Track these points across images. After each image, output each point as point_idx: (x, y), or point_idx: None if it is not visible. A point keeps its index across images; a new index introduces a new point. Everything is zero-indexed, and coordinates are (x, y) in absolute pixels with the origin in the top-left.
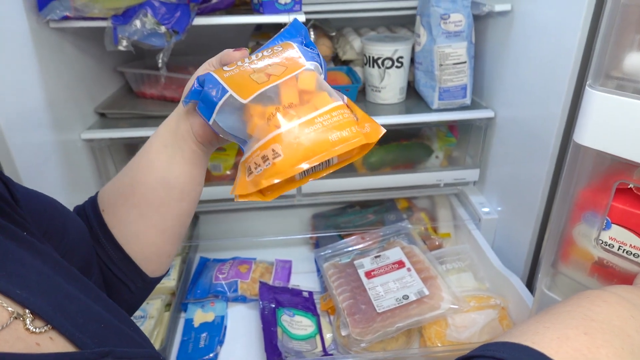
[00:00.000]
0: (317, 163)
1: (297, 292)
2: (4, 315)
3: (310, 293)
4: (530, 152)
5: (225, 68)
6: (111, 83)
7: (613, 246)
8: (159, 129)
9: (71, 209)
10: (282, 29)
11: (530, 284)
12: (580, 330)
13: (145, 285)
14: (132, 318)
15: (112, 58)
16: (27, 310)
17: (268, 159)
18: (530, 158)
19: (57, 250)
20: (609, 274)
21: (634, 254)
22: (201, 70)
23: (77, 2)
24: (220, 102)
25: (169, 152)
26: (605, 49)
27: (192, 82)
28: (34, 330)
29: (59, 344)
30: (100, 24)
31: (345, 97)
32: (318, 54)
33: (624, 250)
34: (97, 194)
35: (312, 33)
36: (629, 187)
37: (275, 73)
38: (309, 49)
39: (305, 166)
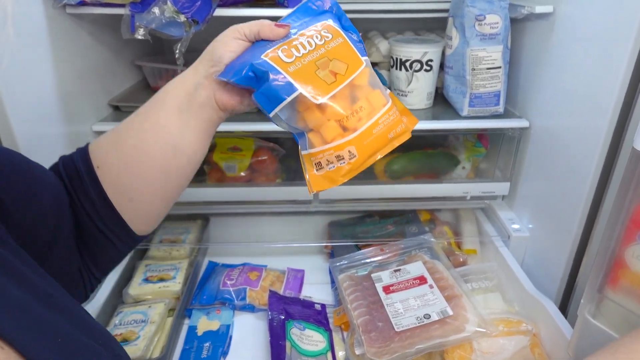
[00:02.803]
0: (381, 156)
1: (309, 304)
2: None
3: (323, 306)
4: (569, 166)
5: (284, 58)
6: (128, 77)
7: None
8: (173, 90)
9: None
10: None
11: (564, 309)
12: None
13: (133, 242)
14: (133, 322)
15: (130, 51)
16: None
17: (343, 158)
18: (569, 172)
19: (19, 221)
20: None
21: None
22: (230, 39)
23: None
24: (289, 99)
25: (183, 118)
26: None
27: (224, 56)
28: None
29: (9, 355)
30: (118, 11)
31: (387, 90)
32: (360, 39)
33: None
34: (87, 145)
35: None
36: None
37: (340, 72)
38: (353, 36)
39: (372, 161)
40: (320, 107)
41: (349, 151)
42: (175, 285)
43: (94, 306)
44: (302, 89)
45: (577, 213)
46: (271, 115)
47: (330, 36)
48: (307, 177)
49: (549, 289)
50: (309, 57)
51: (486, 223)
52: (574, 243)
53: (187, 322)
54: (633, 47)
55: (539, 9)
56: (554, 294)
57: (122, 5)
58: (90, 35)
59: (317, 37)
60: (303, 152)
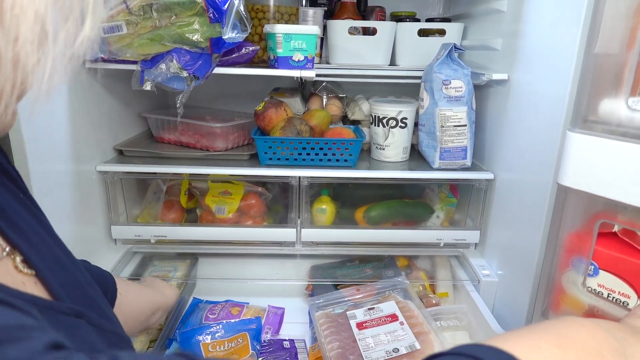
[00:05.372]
0: None
1: (277, 343)
2: None
3: (292, 341)
4: (527, 216)
5: (210, 348)
6: (134, 127)
7: (602, 293)
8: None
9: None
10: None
11: None
12: (553, 344)
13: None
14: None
15: (137, 104)
16: (17, 252)
17: None
18: (527, 222)
19: None
20: None
21: (623, 302)
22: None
23: (113, 46)
24: None
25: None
26: (582, 97)
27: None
28: (22, 269)
29: (41, 291)
30: (131, 67)
31: None
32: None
33: (613, 297)
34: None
35: (324, 94)
36: (613, 231)
37: None
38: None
39: None
40: None
41: None
42: None
43: None
44: None
45: (534, 257)
46: None
47: (240, 340)
48: None
49: None
50: (226, 349)
51: (459, 269)
52: (534, 286)
53: (167, 353)
54: (567, 111)
55: (496, 76)
56: None
57: (134, 62)
58: (103, 87)
59: (233, 341)
60: None
